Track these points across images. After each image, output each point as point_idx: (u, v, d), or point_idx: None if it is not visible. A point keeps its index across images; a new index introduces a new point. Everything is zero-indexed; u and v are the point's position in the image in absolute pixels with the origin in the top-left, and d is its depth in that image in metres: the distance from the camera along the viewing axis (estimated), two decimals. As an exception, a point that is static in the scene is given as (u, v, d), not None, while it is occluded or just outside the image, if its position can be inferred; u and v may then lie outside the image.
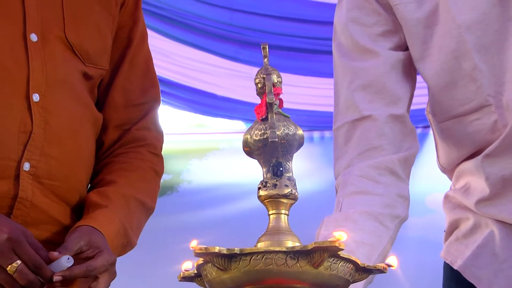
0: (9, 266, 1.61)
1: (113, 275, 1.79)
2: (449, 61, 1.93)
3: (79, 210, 1.95)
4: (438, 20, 1.94)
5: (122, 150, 2.09)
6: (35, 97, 1.83)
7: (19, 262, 1.61)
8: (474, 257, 1.90)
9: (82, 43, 1.96)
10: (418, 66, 2.00)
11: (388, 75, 2.00)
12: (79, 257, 1.76)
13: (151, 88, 2.15)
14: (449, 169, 2.12)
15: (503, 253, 1.88)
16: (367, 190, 1.93)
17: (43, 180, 1.83)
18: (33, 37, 1.88)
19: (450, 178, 2.12)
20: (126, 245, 1.96)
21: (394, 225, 1.93)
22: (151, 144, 2.14)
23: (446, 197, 2.08)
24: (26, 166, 1.80)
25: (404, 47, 2.04)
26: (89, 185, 2.07)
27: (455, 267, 1.95)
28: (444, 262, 2.02)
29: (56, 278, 1.64)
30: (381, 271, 1.56)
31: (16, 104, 1.82)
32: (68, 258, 1.68)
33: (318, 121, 5.73)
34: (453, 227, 2.02)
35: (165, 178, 6.17)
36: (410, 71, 2.05)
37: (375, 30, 2.03)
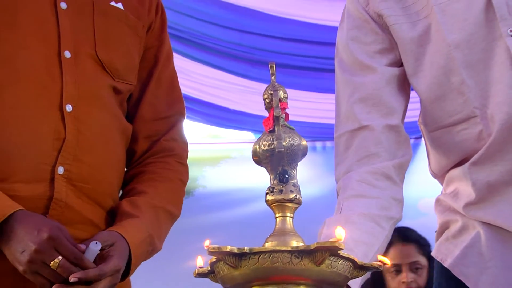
0: (51, 262, 1.61)
1: (115, 280, 1.77)
2: (439, 76, 1.93)
3: (113, 213, 1.96)
4: (430, 39, 1.94)
5: (152, 160, 2.10)
6: (68, 108, 1.84)
7: (60, 258, 1.62)
8: (462, 256, 1.90)
9: (111, 61, 1.97)
10: (412, 80, 2.01)
11: (384, 89, 2.00)
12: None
13: (176, 103, 2.17)
14: (439, 175, 2.12)
15: (489, 253, 1.88)
16: (365, 194, 1.93)
17: (76, 183, 1.84)
18: (67, 54, 1.89)
19: (441, 183, 2.11)
20: (151, 251, 1.97)
21: (389, 225, 1.93)
22: (178, 154, 2.16)
23: (437, 201, 2.08)
24: (60, 170, 1.81)
25: (399, 64, 2.05)
26: (121, 192, 2.08)
27: (446, 265, 1.95)
28: (435, 260, 2.02)
29: (73, 279, 1.64)
30: (377, 268, 1.56)
31: (50, 114, 1.83)
32: (96, 243, 1.70)
33: (320, 132, 5.74)
34: (443, 228, 2.02)
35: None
36: (404, 85, 2.05)
37: (373, 48, 2.03)
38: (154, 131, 2.12)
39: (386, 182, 1.95)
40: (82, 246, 1.69)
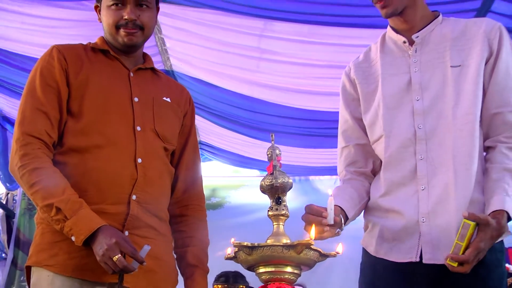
0: (114, 257, 1.60)
1: None
2: (373, 112, 1.91)
3: (163, 220, 1.92)
4: (376, 92, 1.92)
5: (190, 202, 2.05)
6: (139, 160, 1.83)
7: (119, 255, 1.60)
8: (378, 245, 1.85)
9: (163, 132, 1.94)
10: (363, 117, 1.97)
11: (354, 125, 1.99)
12: None
13: (197, 159, 2.12)
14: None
15: (390, 237, 1.82)
16: (354, 178, 1.94)
17: (143, 204, 1.81)
18: (138, 128, 1.87)
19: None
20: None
21: (368, 196, 1.94)
22: (201, 198, 2.10)
23: (366, 207, 2.01)
24: (134, 197, 1.79)
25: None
26: (175, 212, 2.04)
27: (369, 251, 1.89)
28: (362, 246, 1.97)
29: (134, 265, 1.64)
30: (334, 256, 1.55)
31: (129, 164, 1.81)
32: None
33: (297, 171, 5.72)
34: (366, 227, 1.95)
35: (217, 200, 6.16)
36: None
37: (350, 97, 2.01)
38: (188, 176, 2.07)
39: (364, 176, 1.96)
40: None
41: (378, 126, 1.89)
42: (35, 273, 1.77)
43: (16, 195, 6.19)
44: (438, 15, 1.90)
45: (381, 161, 1.94)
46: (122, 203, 1.79)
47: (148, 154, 1.87)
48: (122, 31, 1.88)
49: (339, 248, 1.57)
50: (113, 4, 1.87)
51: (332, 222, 1.55)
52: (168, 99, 2.00)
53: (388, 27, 1.96)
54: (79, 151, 1.81)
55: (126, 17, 1.86)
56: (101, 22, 1.96)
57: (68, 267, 1.72)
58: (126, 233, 1.77)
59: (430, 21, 1.88)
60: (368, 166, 1.97)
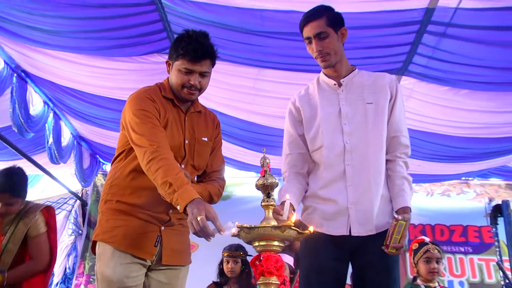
0: (198, 217, 1.50)
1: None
2: (315, 129, 1.92)
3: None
4: (317, 116, 1.93)
5: (207, 180, 1.97)
6: (182, 167, 1.81)
7: (201, 217, 1.50)
8: (319, 222, 1.83)
9: (199, 165, 1.89)
10: (305, 133, 1.96)
11: (297, 139, 1.96)
12: None
13: (221, 163, 2.05)
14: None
15: (327, 217, 1.84)
16: (295, 178, 1.92)
17: (175, 210, 1.72)
18: (183, 166, 1.83)
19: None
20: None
21: (304, 192, 1.92)
22: (219, 183, 1.98)
23: (305, 196, 1.97)
24: (170, 210, 1.79)
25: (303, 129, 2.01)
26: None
27: (312, 228, 1.80)
28: (302, 222, 1.91)
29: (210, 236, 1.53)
30: (308, 233, 1.52)
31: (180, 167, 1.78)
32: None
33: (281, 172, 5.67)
34: (304, 209, 1.93)
35: (226, 193, 6.08)
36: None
37: (294, 119, 1.99)
38: (212, 174, 1.99)
39: (301, 176, 1.93)
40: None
41: (318, 140, 1.90)
42: (101, 246, 1.76)
43: (88, 190, 6.29)
44: (355, 69, 2.00)
45: (314, 165, 1.93)
46: (164, 212, 1.80)
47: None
48: (185, 90, 1.83)
49: (311, 228, 1.56)
50: (184, 71, 1.81)
51: (285, 218, 1.57)
52: (206, 138, 1.93)
53: (321, 73, 2.01)
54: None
55: (192, 82, 1.81)
56: (168, 73, 1.89)
57: (122, 245, 1.73)
58: (162, 228, 1.77)
59: (350, 71, 1.98)
60: (304, 169, 1.96)
